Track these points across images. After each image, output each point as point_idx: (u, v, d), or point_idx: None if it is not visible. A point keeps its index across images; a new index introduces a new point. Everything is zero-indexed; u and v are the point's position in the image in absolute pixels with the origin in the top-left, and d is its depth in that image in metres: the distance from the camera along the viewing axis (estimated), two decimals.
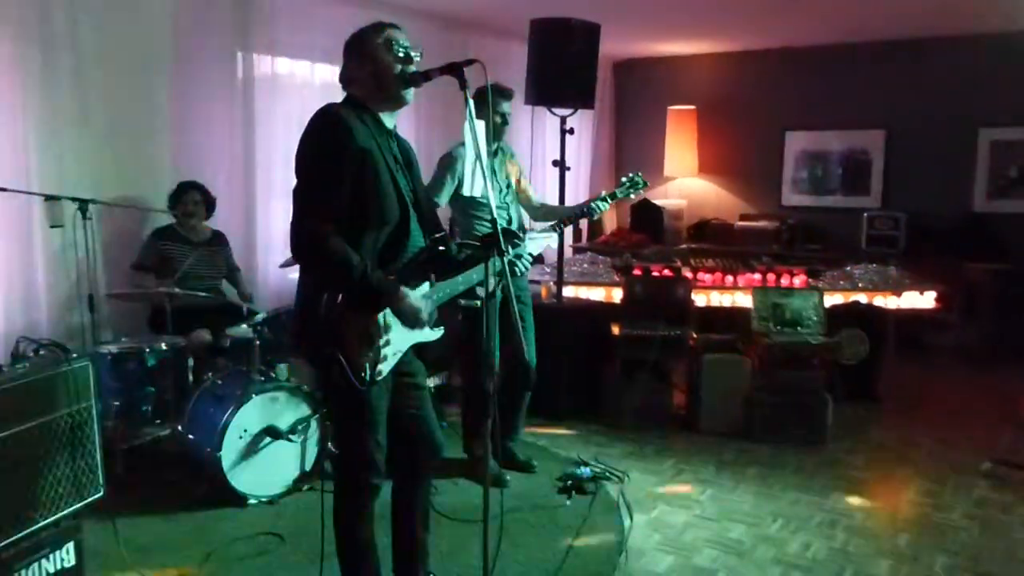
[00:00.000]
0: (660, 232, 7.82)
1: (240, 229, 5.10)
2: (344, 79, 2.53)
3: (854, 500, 3.92)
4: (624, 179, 4.03)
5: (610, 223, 8.42)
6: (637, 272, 5.73)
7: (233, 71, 4.99)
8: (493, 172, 3.94)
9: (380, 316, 2.40)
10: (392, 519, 2.78)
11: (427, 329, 2.56)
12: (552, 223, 3.95)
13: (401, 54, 2.43)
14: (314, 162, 2.36)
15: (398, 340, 2.48)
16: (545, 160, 7.15)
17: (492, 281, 2.40)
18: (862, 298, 5.55)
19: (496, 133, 3.93)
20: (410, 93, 2.49)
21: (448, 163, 3.93)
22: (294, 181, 2.41)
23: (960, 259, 6.45)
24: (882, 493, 4.06)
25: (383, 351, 2.41)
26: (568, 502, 3.83)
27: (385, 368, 2.43)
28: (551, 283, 5.37)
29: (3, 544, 2.66)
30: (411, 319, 2.44)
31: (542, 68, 4.70)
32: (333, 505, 2.58)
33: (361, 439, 2.48)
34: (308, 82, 5.58)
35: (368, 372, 2.37)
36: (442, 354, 4.57)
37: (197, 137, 4.84)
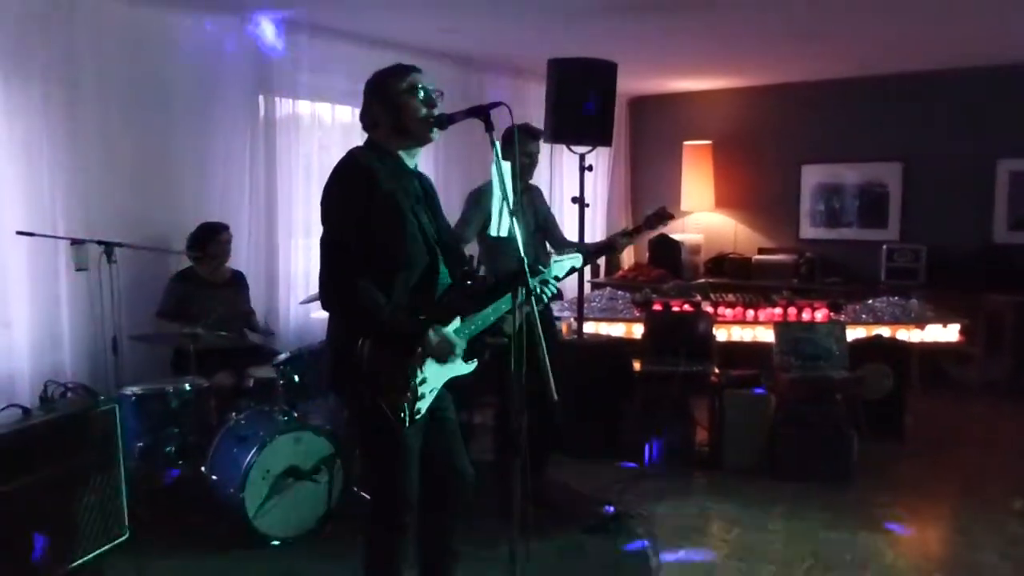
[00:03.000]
0: (678, 267, 7.81)
1: (262, 268, 5.14)
2: (367, 122, 2.55)
3: (884, 539, 3.85)
4: (650, 213, 4.00)
5: (628, 258, 8.43)
6: (657, 307, 5.71)
7: (255, 113, 5.06)
8: (521, 210, 3.97)
9: (414, 356, 2.41)
10: (419, 555, 2.75)
11: (461, 364, 2.56)
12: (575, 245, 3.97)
13: (425, 97, 2.46)
14: (340, 212, 2.39)
15: (433, 378, 2.49)
16: (563, 197, 7.20)
17: (518, 316, 2.40)
18: (885, 331, 5.50)
19: (524, 173, 3.96)
20: (435, 134, 2.52)
21: (475, 199, 3.97)
22: (315, 221, 2.45)
23: (981, 291, 6.39)
24: (912, 532, 3.98)
25: (420, 390, 2.42)
26: (592, 542, 3.79)
27: (423, 406, 2.45)
28: (571, 319, 5.37)
29: None
30: (443, 357, 2.45)
31: (560, 107, 4.74)
32: (364, 545, 2.57)
33: (395, 479, 2.48)
34: (328, 123, 5.65)
35: (407, 413, 2.39)
36: (467, 391, 4.55)
37: (219, 178, 4.91)
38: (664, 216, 3.95)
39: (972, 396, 6.32)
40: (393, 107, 2.46)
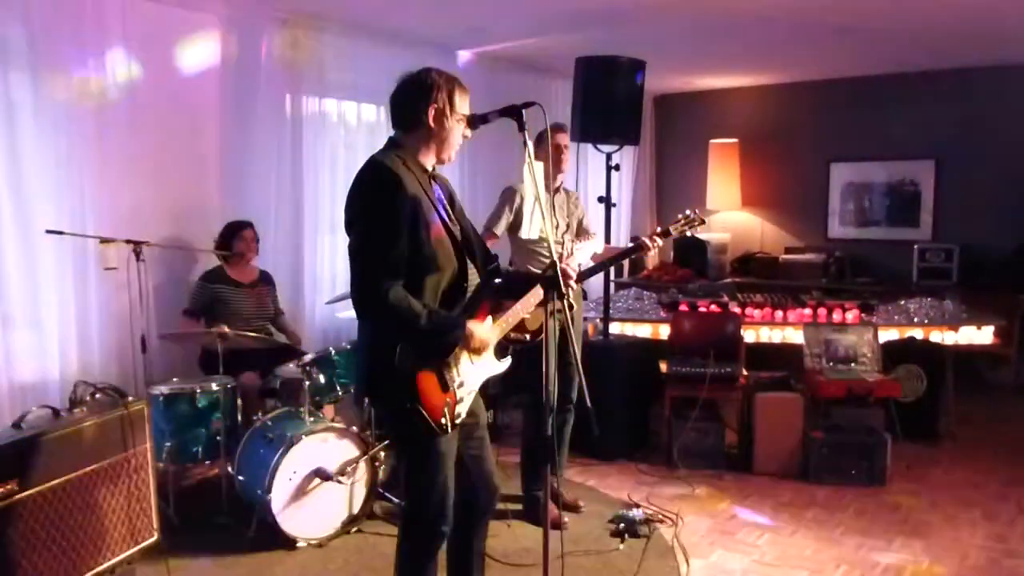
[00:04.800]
0: (704, 266, 7.72)
1: (288, 267, 5.13)
2: (412, 120, 2.46)
3: (920, 545, 3.77)
4: (680, 216, 3.89)
5: (653, 258, 8.35)
6: (684, 308, 5.64)
7: (282, 112, 5.05)
8: (553, 209, 3.93)
9: (452, 360, 2.39)
10: (447, 562, 2.73)
11: (495, 362, 2.53)
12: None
13: (464, 105, 2.43)
14: (367, 220, 2.35)
15: (471, 380, 2.47)
16: (589, 196, 7.14)
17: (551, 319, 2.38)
18: (918, 333, 5.40)
19: (554, 166, 3.91)
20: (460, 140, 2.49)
21: (507, 196, 3.95)
22: (341, 219, 2.42)
23: (1017, 292, 6.26)
24: (949, 537, 3.89)
25: (459, 393, 2.40)
26: (621, 546, 3.75)
27: (463, 410, 2.42)
28: (597, 320, 5.32)
29: None
30: (480, 350, 2.43)
31: (588, 105, 4.70)
32: (398, 550, 2.55)
33: (434, 486, 2.46)
34: (354, 122, 5.64)
35: (448, 418, 2.37)
36: (493, 392, 4.53)
37: (246, 177, 4.90)
38: (694, 221, 3.83)
39: (1007, 398, 6.20)
40: (445, 121, 2.42)
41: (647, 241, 3.83)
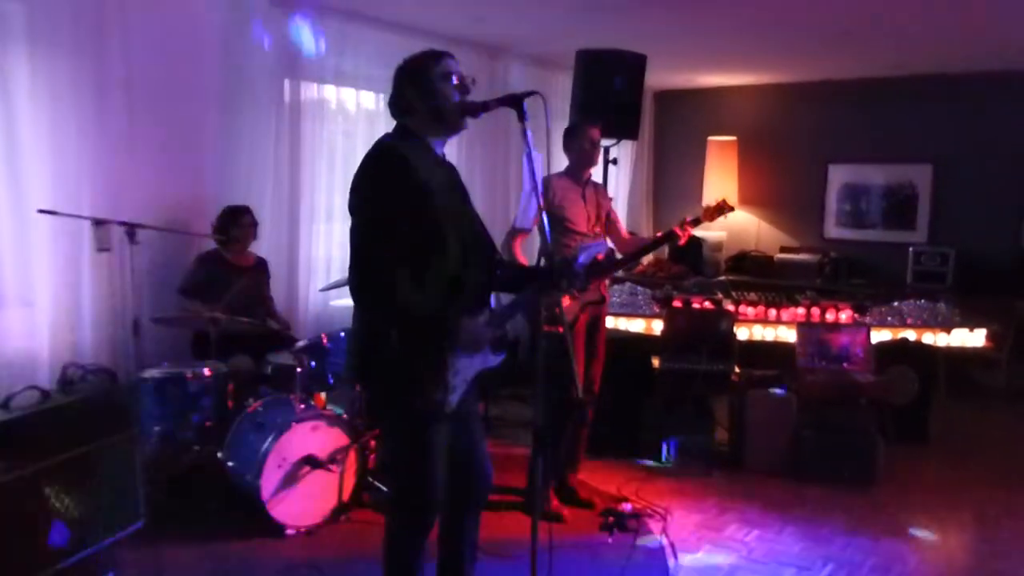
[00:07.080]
0: (699, 263, 7.73)
1: (283, 253, 5.11)
2: (398, 107, 2.48)
3: (908, 545, 3.78)
4: (714, 202, 3.95)
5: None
6: (678, 304, 5.64)
7: (280, 98, 5.03)
8: (583, 202, 3.93)
9: (446, 349, 2.37)
10: (438, 551, 2.72)
11: (491, 355, 2.52)
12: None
13: (460, 84, 2.41)
14: (373, 202, 2.33)
15: (465, 369, 2.46)
16: None
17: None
18: (911, 335, 5.41)
19: (587, 162, 3.91)
20: (466, 122, 2.47)
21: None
22: (337, 206, 2.41)
23: (1011, 296, 6.28)
24: (937, 538, 3.91)
25: (452, 383, 2.38)
26: (610, 539, 3.75)
27: (455, 399, 2.41)
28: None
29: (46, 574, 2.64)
30: (473, 348, 2.41)
31: (587, 98, 4.68)
32: (386, 538, 2.54)
33: (423, 473, 2.45)
34: (353, 109, 5.62)
35: (439, 406, 2.36)
36: (487, 382, 4.50)
37: (243, 162, 4.87)
38: (724, 209, 3.92)
39: (998, 402, 6.22)
40: (428, 93, 2.39)
41: (678, 231, 3.87)
